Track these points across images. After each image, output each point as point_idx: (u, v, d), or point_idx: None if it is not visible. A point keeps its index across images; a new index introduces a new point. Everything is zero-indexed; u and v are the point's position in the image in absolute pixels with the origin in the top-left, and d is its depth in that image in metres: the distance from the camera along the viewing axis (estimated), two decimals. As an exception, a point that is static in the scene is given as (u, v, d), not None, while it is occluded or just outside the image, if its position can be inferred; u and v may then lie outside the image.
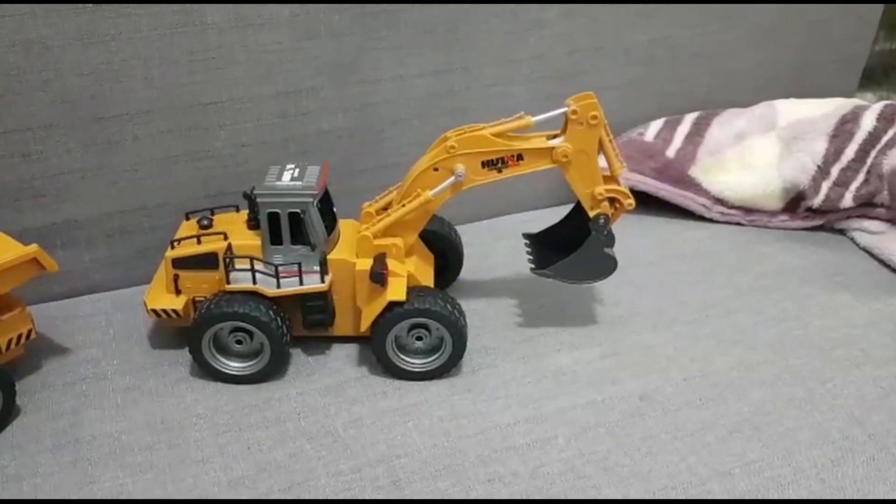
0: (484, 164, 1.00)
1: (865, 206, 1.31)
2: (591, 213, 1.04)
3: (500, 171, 1.01)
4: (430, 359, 1.01)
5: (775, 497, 0.85)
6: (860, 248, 1.30)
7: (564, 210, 1.13)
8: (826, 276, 1.22)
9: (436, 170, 1.00)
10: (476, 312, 1.12)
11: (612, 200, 1.03)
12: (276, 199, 0.96)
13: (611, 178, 1.04)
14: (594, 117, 0.99)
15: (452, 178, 0.99)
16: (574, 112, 0.99)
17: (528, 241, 1.15)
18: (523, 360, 1.04)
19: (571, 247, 1.05)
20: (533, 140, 1.02)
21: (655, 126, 1.42)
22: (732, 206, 1.36)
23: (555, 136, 1.02)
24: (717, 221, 1.37)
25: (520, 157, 1.00)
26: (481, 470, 0.88)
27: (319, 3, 1.14)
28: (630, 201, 1.04)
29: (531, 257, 1.11)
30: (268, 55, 1.14)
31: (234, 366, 1.00)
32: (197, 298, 1.02)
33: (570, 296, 1.16)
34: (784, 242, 1.31)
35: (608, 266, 1.06)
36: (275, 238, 0.98)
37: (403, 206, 1.01)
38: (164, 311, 1.01)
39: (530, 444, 0.91)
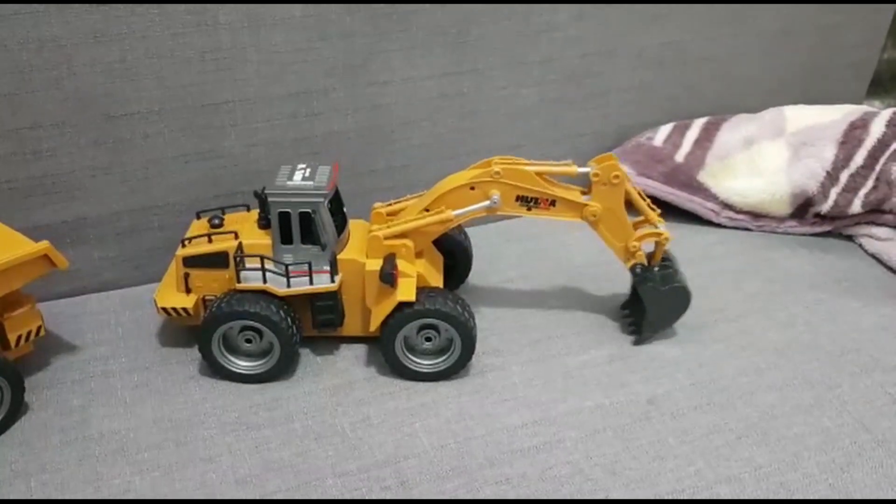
0: (518, 199, 1.02)
1: (874, 213, 1.31)
2: (627, 265, 1.06)
3: (529, 209, 1.02)
4: (438, 360, 1.01)
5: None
6: (868, 254, 1.30)
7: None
8: (834, 282, 1.22)
9: (472, 188, 1.01)
10: (485, 314, 1.12)
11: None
12: (286, 199, 0.96)
13: (645, 221, 1.06)
14: (616, 177, 1.01)
15: (487, 203, 1.01)
16: (596, 174, 1.01)
17: (627, 312, 1.13)
18: (532, 363, 1.04)
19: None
20: (570, 192, 1.03)
21: (664, 130, 1.42)
22: (741, 212, 1.36)
23: (585, 193, 1.04)
24: (726, 226, 1.37)
25: (552, 203, 1.02)
26: (489, 472, 0.88)
27: (331, 4, 1.14)
28: (665, 236, 1.05)
29: (633, 328, 1.10)
30: (279, 55, 1.14)
31: (243, 365, 1.00)
32: (207, 297, 1.02)
33: (579, 299, 1.17)
34: (792, 248, 1.31)
35: (681, 298, 1.06)
36: (285, 238, 0.98)
37: (424, 215, 1.01)
38: (175, 309, 1.01)
39: (538, 446, 0.91)
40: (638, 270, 1.06)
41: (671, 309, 1.07)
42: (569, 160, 1.05)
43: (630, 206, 1.04)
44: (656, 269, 1.07)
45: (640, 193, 1.06)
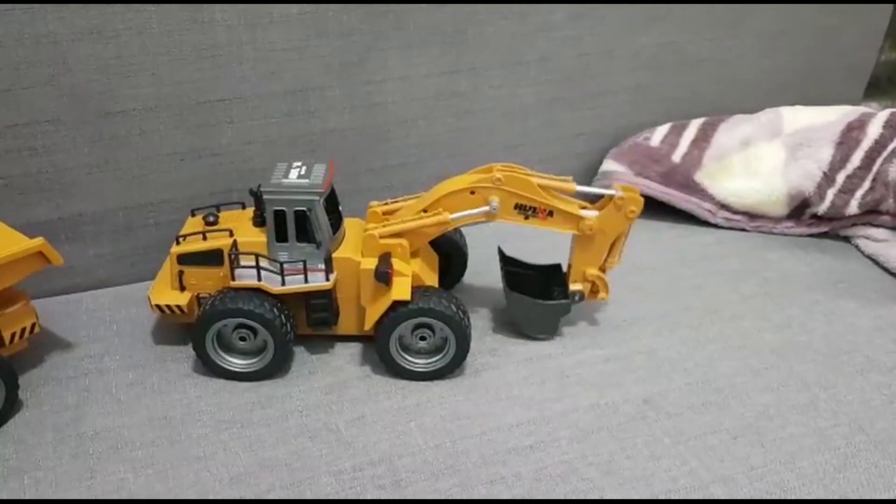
0: (517, 207, 1.02)
1: (871, 214, 1.31)
2: (572, 287, 1.07)
3: (526, 217, 1.03)
4: (433, 359, 1.01)
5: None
6: (865, 255, 1.30)
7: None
8: (831, 283, 1.22)
9: (472, 193, 1.01)
10: (480, 314, 1.12)
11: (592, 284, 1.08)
12: (282, 197, 0.96)
13: (600, 267, 1.07)
14: (632, 211, 1.02)
15: (486, 208, 1.01)
16: (621, 198, 1.01)
17: (501, 260, 1.15)
18: (527, 362, 1.04)
19: (526, 290, 1.08)
20: (568, 204, 1.04)
21: (661, 131, 1.42)
22: (737, 212, 1.36)
23: (585, 208, 1.04)
24: (722, 227, 1.37)
25: (550, 214, 1.02)
26: (483, 471, 0.88)
27: (328, 3, 1.14)
28: (605, 296, 1.07)
29: (503, 274, 1.12)
30: (276, 53, 1.14)
31: (237, 363, 1.00)
32: (201, 295, 1.02)
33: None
34: (789, 249, 1.31)
35: (550, 330, 1.08)
36: (280, 235, 0.98)
37: (421, 216, 1.01)
38: (169, 306, 1.01)
39: (533, 445, 0.91)
40: (577, 298, 1.07)
41: (541, 325, 1.08)
42: (568, 176, 1.05)
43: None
44: (556, 293, 1.09)
45: (625, 240, 1.06)
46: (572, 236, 1.05)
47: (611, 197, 1.02)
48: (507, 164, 1.04)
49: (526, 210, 1.02)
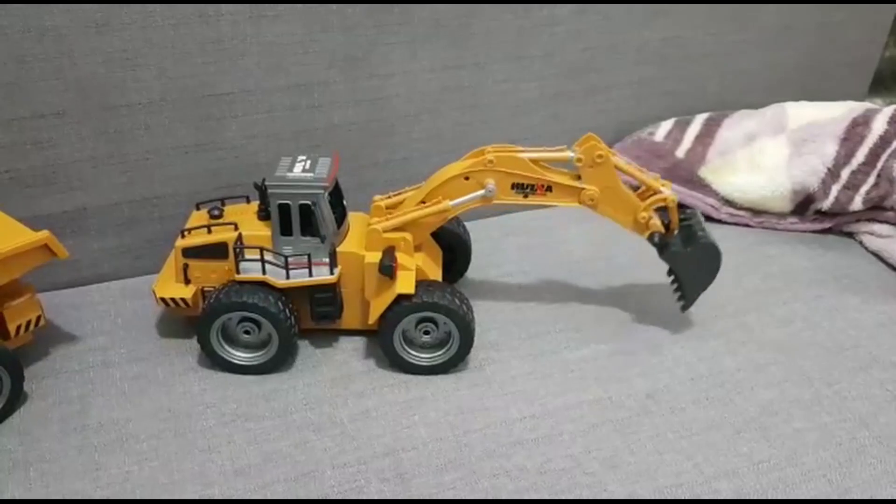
0: (514, 186, 1.01)
1: (875, 210, 1.31)
2: (645, 236, 1.05)
3: (525, 196, 1.02)
4: (437, 353, 1.01)
5: (782, 497, 0.85)
6: (869, 251, 1.30)
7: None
8: (834, 279, 1.21)
9: (466, 178, 1.01)
10: (484, 308, 1.12)
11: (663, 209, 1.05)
12: (286, 191, 0.96)
13: (648, 190, 1.05)
14: (599, 156, 1.01)
15: (482, 192, 1.00)
16: (579, 159, 1.01)
17: (672, 279, 1.12)
18: (530, 357, 1.04)
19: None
20: (566, 176, 1.03)
21: (665, 126, 1.42)
22: (741, 208, 1.36)
23: (579, 178, 1.03)
24: (726, 222, 1.37)
25: (549, 189, 1.01)
26: (487, 464, 0.88)
27: (332, 2, 1.13)
28: (671, 198, 1.04)
29: (679, 293, 1.09)
30: (280, 47, 1.14)
31: (241, 356, 1.00)
32: (206, 288, 1.02)
33: (578, 294, 1.17)
34: (792, 245, 1.31)
35: (710, 254, 1.04)
36: (285, 229, 0.98)
37: (421, 207, 1.01)
38: (173, 299, 1.01)
39: (537, 439, 0.91)
40: (656, 240, 1.04)
41: (702, 268, 1.05)
42: (563, 145, 1.04)
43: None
44: (676, 232, 1.05)
45: (628, 163, 1.04)
46: (594, 211, 1.04)
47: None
48: (499, 144, 1.03)
49: (524, 188, 1.01)
